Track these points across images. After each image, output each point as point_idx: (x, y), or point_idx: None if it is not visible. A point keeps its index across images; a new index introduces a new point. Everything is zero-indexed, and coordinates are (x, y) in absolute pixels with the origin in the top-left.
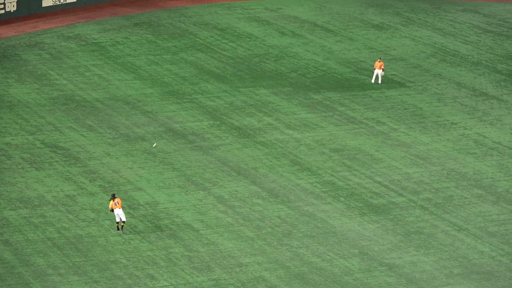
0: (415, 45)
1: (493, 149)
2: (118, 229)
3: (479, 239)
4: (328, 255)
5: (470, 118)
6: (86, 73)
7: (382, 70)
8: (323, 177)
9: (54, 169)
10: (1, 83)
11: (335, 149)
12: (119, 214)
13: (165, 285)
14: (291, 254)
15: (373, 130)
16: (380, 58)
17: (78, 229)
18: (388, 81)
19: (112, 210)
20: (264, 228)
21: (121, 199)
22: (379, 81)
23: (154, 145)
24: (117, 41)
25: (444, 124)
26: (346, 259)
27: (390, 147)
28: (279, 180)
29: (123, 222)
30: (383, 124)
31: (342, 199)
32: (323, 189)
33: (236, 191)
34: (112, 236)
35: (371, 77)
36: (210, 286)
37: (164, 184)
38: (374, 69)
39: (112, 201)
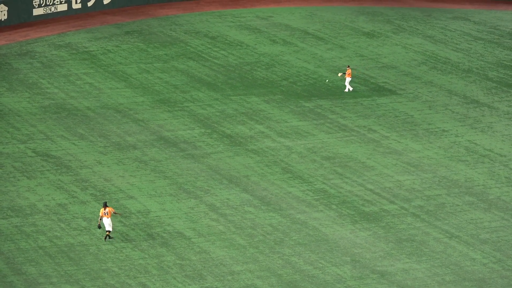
0: (406, 52)
1: (484, 156)
2: (107, 238)
3: (471, 246)
4: (320, 262)
5: (461, 126)
6: (77, 81)
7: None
8: (315, 184)
9: (45, 177)
10: None
11: (327, 157)
12: (106, 224)
13: None
14: (283, 262)
15: (365, 138)
16: (348, 66)
17: (70, 237)
18: (379, 89)
19: (101, 219)
20: (256, 236)
21: (113, 208)
22: (346, 90)
23: (339, 75)
24: (108, 50)
25: (436, 131)
26: (338, 267)
27: (382, 155)
28: (270, 188)
29: (108, 231)
30: (375, 132)
31: (334, 206)
32: (314, 197)
33: (227, 199)
34: (103, 244)
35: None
36: None
37: (156, 192)
38: (346, 77)
39: (103, 209)
